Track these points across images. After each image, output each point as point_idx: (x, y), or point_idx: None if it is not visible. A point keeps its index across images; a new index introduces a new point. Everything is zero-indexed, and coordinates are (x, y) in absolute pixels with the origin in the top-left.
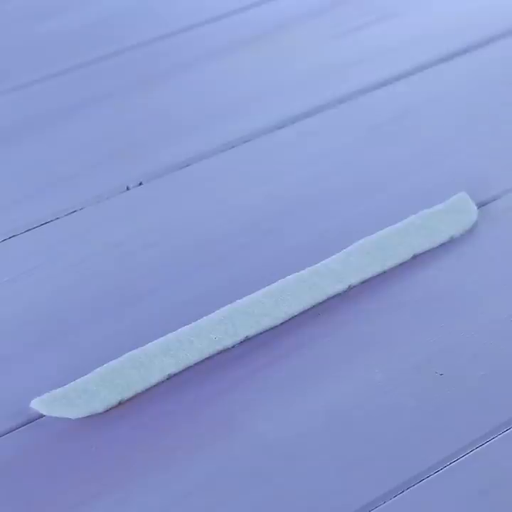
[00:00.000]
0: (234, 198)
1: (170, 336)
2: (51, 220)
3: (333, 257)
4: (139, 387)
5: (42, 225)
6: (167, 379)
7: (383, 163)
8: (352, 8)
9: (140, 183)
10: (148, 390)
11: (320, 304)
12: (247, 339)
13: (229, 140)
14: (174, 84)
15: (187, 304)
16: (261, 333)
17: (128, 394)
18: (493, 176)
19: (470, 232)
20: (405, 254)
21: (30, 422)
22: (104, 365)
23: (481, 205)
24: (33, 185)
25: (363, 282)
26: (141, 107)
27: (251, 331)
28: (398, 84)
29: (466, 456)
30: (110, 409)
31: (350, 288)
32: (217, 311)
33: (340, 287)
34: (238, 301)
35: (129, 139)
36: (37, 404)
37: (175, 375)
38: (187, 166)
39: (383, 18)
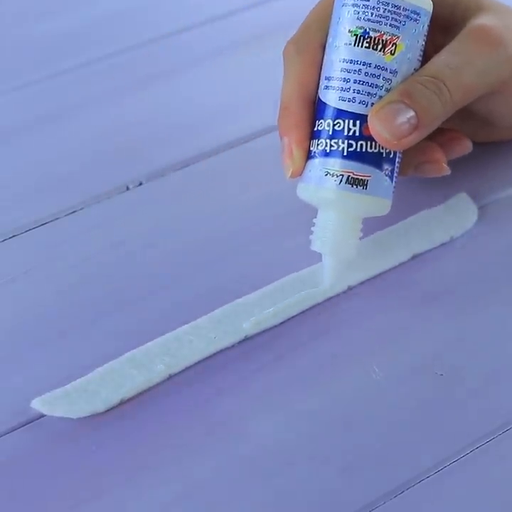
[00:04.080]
0: (234, 198)
1: (169, 335)
2: (51, 220)
3: None
4: (140, 386)
5: (42, 225)
6: (167, 379)
7: None
8: None
9: (140, 183)
10: (148, 389)
11: (319, 303)
12: (247, 339)
13: (229, 140)
14: (174, 85)
15: (187, 304)
16: (261, 333)
17: (129, 394)
18: (494, 176)
19: (470, 232)
20: (405, 254)
21: (31, 422)
22: (105, 365)
23: (481, 205)
24: (33, 185)
25: (363, 282)
26: (141, 107)
27: (251, 331)
28: None
29: (466, 456)
30: (111, 408)
31: (350, 288)
32: (217, 310)
33: (339, 287)
34: (238, 300)
35: (129, 139)
36: (38, 404)
37: (175, 375)
38: (187, 166)
39: None
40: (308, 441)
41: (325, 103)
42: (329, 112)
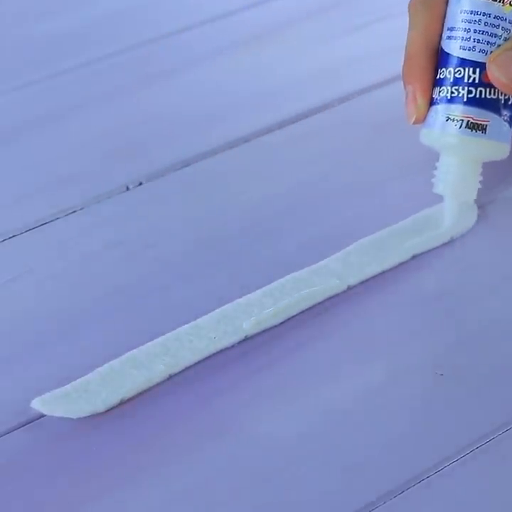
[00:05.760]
0: (234, 198)
1: (170, 335)
2: (51, 220)
3: (333, 256)
4: (140, 386)
5: (42, 225)
6: (167, 379)
7: (383, 163)
8: (352, 9)
9: (140, 183)
10: (148, 389)
11: (319, 303)
12: (247, 339)
13: (229, 140)
14: (174, 84)
15: (187, 304)
16: (261, 333)
17: (129, 394)
18: (494, 176)
19: (470, 232)
20: (405, 254)
21: (31, 422)
22: (105, 365)
23: (481, 205)
24: (33, 185)
25: (363, 282)
26: (141, 106)
27: (251, 331)
28: (398, 84)
29: (466, 456)
30: (111, 408)
31: (350, 288)
32: (217, 310)
33: (339, 287)
34: (238, 300)
35: (129, 139)
36: (38, 404)
37: (175, 375)
38: (187, 166)
39: (384, 18)
40: (308, 441)
41: (447, 52)
42: (451, 61)
